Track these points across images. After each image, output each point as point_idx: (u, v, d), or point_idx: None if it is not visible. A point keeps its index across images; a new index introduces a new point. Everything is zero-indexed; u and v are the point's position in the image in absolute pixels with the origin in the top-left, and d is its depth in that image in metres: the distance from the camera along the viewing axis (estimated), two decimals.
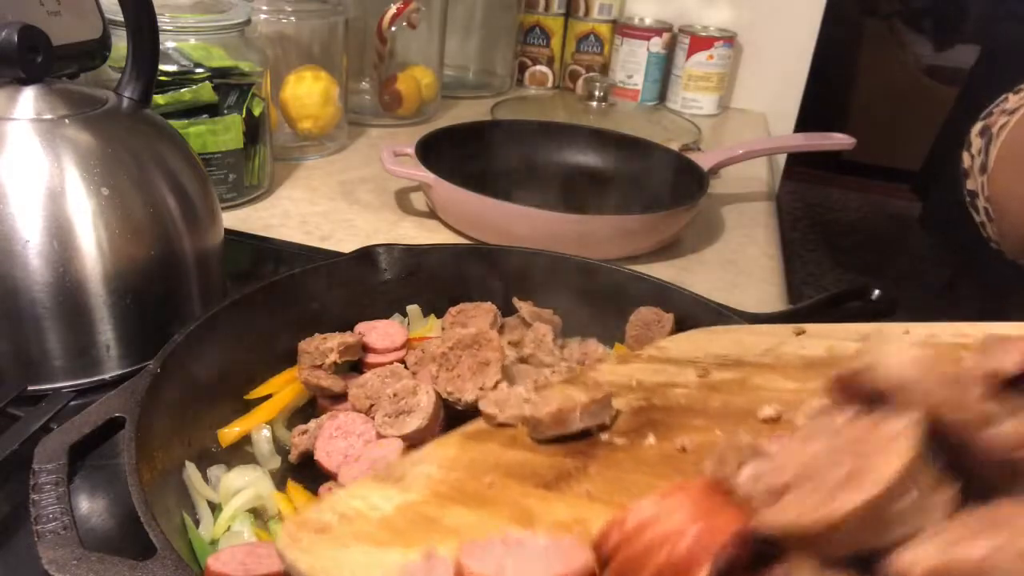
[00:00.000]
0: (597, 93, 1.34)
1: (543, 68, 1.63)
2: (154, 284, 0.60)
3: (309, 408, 0.58)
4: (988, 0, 3.16)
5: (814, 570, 0.26)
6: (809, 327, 0.49)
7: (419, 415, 0.51)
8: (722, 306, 0.62)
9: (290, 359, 0.59)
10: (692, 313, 0.62)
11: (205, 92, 0.86)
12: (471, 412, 0.52)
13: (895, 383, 0.29)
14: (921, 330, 0.43)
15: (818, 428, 0.30)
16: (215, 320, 0.54)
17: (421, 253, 0.68)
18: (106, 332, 0.58)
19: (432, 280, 0.68)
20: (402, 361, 0.61)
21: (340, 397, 0.57)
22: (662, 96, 1.59)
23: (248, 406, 0.56)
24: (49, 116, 0.56)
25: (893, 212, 3.64)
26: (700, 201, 0.91)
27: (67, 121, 0.56)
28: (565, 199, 0.95)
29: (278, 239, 0.88)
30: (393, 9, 1.22)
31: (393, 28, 1.23)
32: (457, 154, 0.99)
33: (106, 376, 0.59)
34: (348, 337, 0.59)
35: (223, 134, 0.88)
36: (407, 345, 0.62)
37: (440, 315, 0.67)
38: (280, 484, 0.50)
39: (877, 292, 0.69)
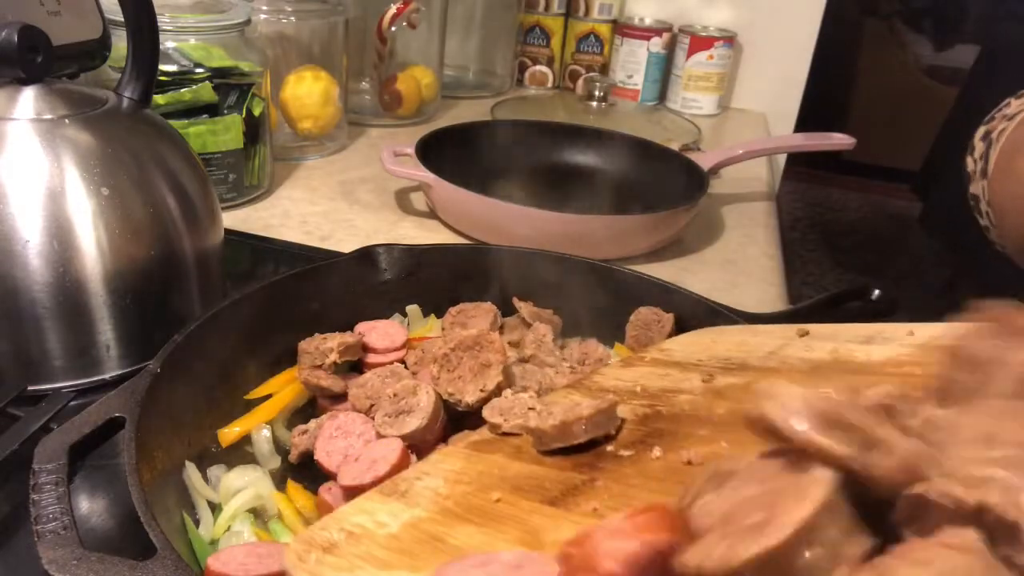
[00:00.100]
0: (597, 93, 1.34)
1: (543, 68, 1.63)
2: (154, 284, 0.60)
3: (309, 408, 0.58)
4: (988, 0, 3.17)
5: None
6: (813, 328, 0.49)
7: (419, 415, 0.51)
8: (722, 306, 0.62)
9: (290, 359, 0.59)
10: (692, 313, 0.62)
11: (205, 92, 0.86)
12: (471, 413, 0.52)
13: (782, 430, 0.28)
14: (925, 331, 0.43)
15: (756, 471, 0.29)
16: (215, 320, 0.54)
17: (421, 253, 0.68)
18: (106, 332, 0.58)
19: (432, 280, 0.68)
20: (402, 361, 0.61)
21: (340, 397, 0.57)
22: (662, 96, 1.59)
23: (248, 406, 0.56)
24: (49, 116, 0.56)
25: (893, 212, 3.64)
26: (700, 201, 0.91)
27: (67, 121, 0.56)
28: (565, 199, 0.94)
29: (278, 239, 0.88)
30: (393, 9, 1.22)
31: (393, 28, 1.23)
32: (457, 154, 0.99)
33: (106, 376, 0.59)
34: (348, 337, 0.59)
35: (223, 134, 0.88)
36: (407, 345, 0.62)
37: (440, 315, 0.67)
38: (280, 484, 0.50)
39: (877, 292, 0.69)
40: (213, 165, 0.89)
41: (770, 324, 0.54)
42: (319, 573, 0.35)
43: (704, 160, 1.03)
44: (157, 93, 0.77)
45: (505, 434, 0.47)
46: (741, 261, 0.94)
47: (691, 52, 1.49)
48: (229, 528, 0.47)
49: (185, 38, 0.87)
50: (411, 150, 0.95)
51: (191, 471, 0.49)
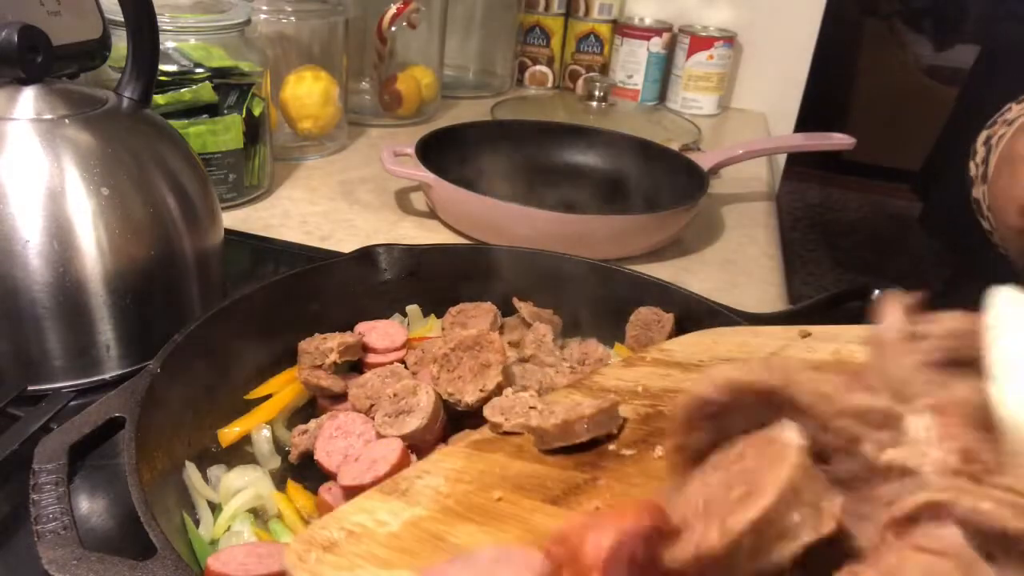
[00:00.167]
0: (597, 93, 1.34)
1: (543, 68, 1.63)
2: (154, 284, 0.60)
3: (309, 408, 0.58)
4: (988, 0, 3.16)
5: None
6: (815, 329, 0.49)
7: (419, 415, 0.51)
8: (722, 306, 0.62)
9: (290, 359, 0.59)
10: (692, 313, 0.62)
11: (205, 92, 0.86)
12: (471, 413, 0.52)
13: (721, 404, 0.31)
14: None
15: (720, 461, 0.30)
16: (215, 320, 0.54)
17: (421, 253, 0.68)
18: (106, 332, 0.58)
19: (432, 280, 0.68)
20: (402, 361, 0.61)
21: (340, 397, 0.57)
22: (662, 96, 1.59)
23: (248, 406, 0.56)
24: (49, 116, 0.56)
25: (893, 212, 3.64)
26: (700, 201, 0.91)
27: (67, 121, 0.56)
28: (565, 199, 0.94)
29: (278, 239, 0.88)
30: (393, 9, 1.22)
31: (393, 28, 1.23)
32: (457, 154, 0.99)
33: (106, 376, 0.59)
34: (348, 337, 0.59)
35: (223, 134, 0.88)
36: (407, 345, 0.62)
37: (440, 315, 0.67)
38: (280, 484, 0.50)
39: (877, 292, 0.69)
40: (213, 165, 0.89)
41: (771, 324, 0.54)
42: (319, 572, 0.35)
43: (704, 160, 1.03)
44: (157, 93, 0.77)
45: (506, 433, 0.47)
46: (741, 261, 0.94)
47: (691, 52, 1.49)
48: (229, 528, 0.47)
49: (185, 38, 0.87)
50: (411, 150, 0.95)
51: (191, 471, 0.49)
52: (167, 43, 0.85)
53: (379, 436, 0.51)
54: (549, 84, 1.64)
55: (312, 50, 1.11)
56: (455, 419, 0.53)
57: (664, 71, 1.55)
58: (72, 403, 0.54)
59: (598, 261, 0.68)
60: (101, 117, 0.59)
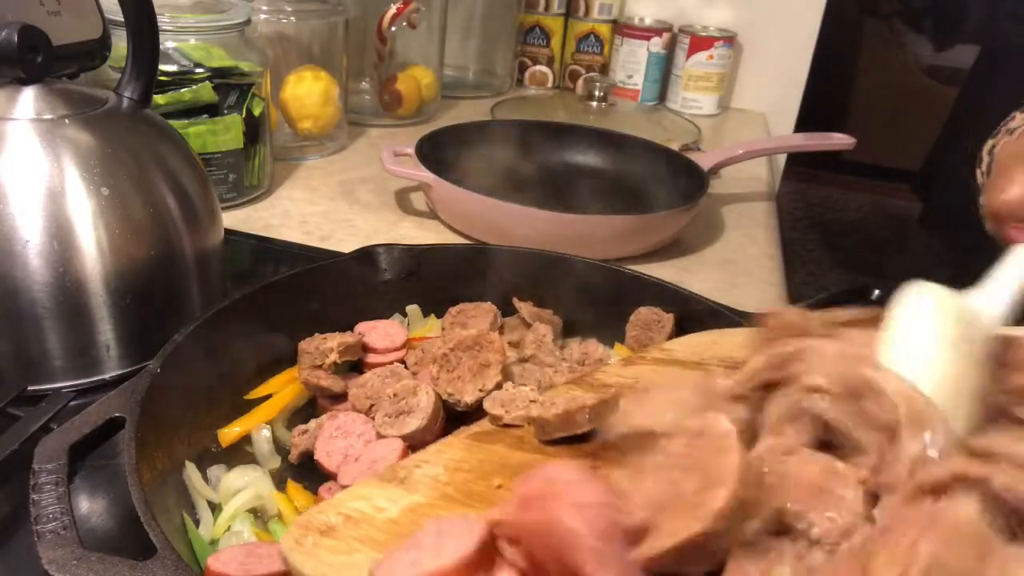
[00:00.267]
0: (597, 93, 1.34)
1: (543, 68, 1.63)
2: (154, 284, 0.60)
3: (309, 408, 0.58)
4: (988, 0, 3.16)
5: None
6: None
7: (419, 415, 0.51)
8: (722, 306, 0.62)
9: (290, 359, 0.59)
10: (692, 313, 0.62)
11: (205, 92, 0.86)
12: (471, 413, 0.52)
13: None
14: None
15: (648, 466, 0.33)
16: (215, 320, 0.54)
17: (421, 253, 0.68)
18: (106, 332, 0.58)
19: (432, 280, 0.68)
20: (402, 361, 0.61)
21: (340, 397, 0.57)
22: (662, 96, 1.59)
23: (248, 406, 0.56)
24: (49, 116, 0.56)
25: (893, 212, 3.64)
26: (700, 201, 0.91)
27: (67, 121, 0.56)
28: (565, 199, 0.95)
29: (278, 239, 0.88)
30: (393, 9, 1.22)
31: (393, 28, 1.23)
32: (457, 154, 0.99)
33: (106, 376, 0.59)
34: (348, 337, 0.59)
35: (223, 134, 0.88)
36: (407, 345, 0.62)
37: (440, 315, 0.67)
38: (280, 484, 0.50)
39: (877, 292, 0.69)
40: (213, 165, 0.89)
41: None
42: (316, 555, 0.35)
43: (704, 160, 1.03)
44: (157, 93, 0.77)
45: (506, 426, 0.47)
46: (741, 261, 0.94)
47: (691, 52, 1.49)
48: (229, 528, 0.47)
49: (185, 38, 0.87)
50: (411, 150, 0.95)
51: (191, 471, 0.49)
52: (167, 43, 0.85)
53: (379, 436, 0.51)
54: (549, 84, 1.64)
55: (312, 50, 1.11)
56: (455, 419, 0.53)
57: (664, 71, 1.55)
58: (72, 403, 0.54)
59: (598, 261, 0.68)
60: (101, 117, 0.59)
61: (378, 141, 1.23)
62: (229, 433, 0.53)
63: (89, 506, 0.49)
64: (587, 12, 1.56)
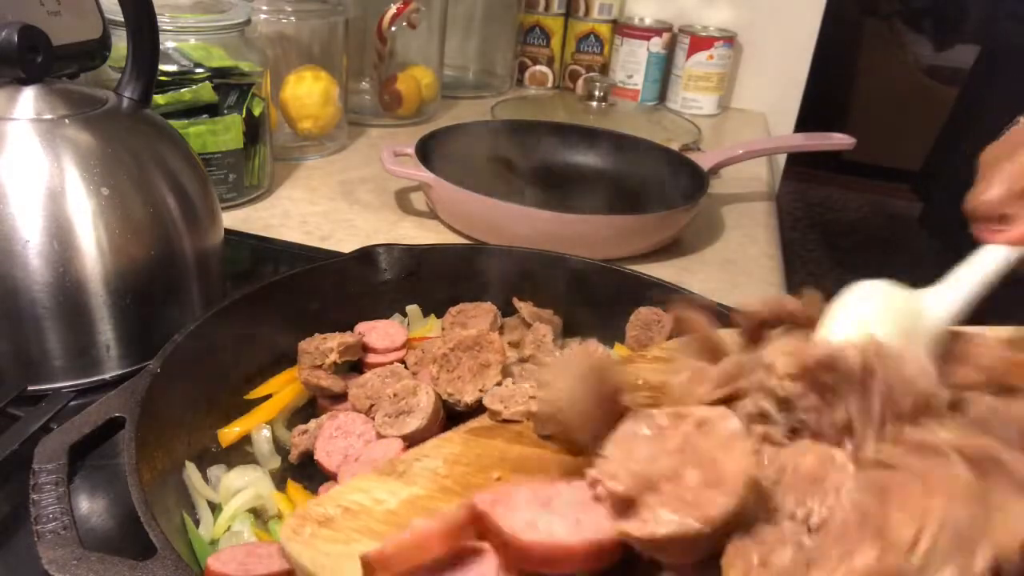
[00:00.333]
0: (597, 93, 1.34)
1: (543, 68, 1.63)
2: (154, 284, 0.60)
3: (309, 408, 0.58)
4: (988, 0, 3.16)
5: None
6: None
7: (419, 415, 0.51)
8: (722, 306, 0.62)
9: (290, 359, 0.59)
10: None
11: (205, 92, 0.86)
12: (471, 413, 0.52)
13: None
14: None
15: (656, 442, 0.33)
16: (215, 320, 0.54)
17: (421, 253, 0.68)
18: (106, 332, 0.58)
19: (432, 280, 0.68)
20: (402, 361, 0.61)
21: (340, 397, 0.57)
22: (662, 96, 1.59)
23: (248, 406, 0.56)
24: (49, 116, 0.56)
25: (893, 212, 3.64)
26: (700, 201, 0.91)
27: (67, 121, 0.56)
28: (565, 199, 0.95)
29: (278, 239, 0.88)
30: (393, 9, 1.22)
31: (393, 28, 1.23)
32: (457, 154, 0.99)
33: (106, 376, 0.59)
34: (348, 337, 0.59)
35: (223, 134, 0.88)
36: (407, 345, 0.62)
37: (440, 315, 0.67)
38: (280, 484, 0.50)
39: None
40: (213, 165, 0.89)
41: None
42: (313, 545, 0.35)
43: (704, 160, 1.03)
44: (157, 93, 0.77)
45: (505, 421, 0.47)
46: (741, 261, 0.94)
47: (691, 52, 1.49)
48: (229, 528, 0.47)
49: (185, 38, 0.87)
50: (411, 150, 0.95)
51: (191, 471, 0.49)
52: (167, 43, 0.85)
53: (379, 436, 0.51)
54: (549, 84, 1.64)
55: (312, 50, 1.11)
56: (455, 419, 0.53)
57: (664, 71, 1.55)
58: (72, 403, 0.54)
59: (598, 261, 0.68)
60: (101, 117, 0.59)
61: (378, 141, 1.23)
62: (229, 433, 0.53)
63: (89, 506, 0.49)
64: (587, 12, 1.56)
